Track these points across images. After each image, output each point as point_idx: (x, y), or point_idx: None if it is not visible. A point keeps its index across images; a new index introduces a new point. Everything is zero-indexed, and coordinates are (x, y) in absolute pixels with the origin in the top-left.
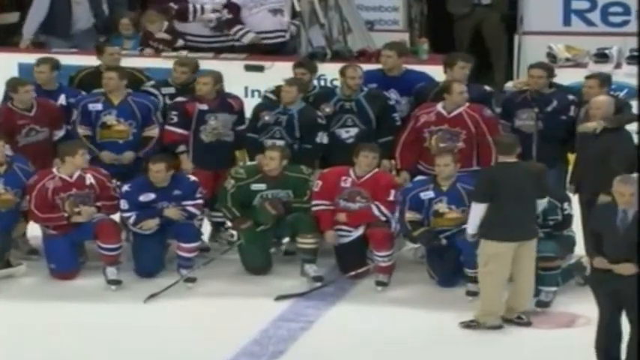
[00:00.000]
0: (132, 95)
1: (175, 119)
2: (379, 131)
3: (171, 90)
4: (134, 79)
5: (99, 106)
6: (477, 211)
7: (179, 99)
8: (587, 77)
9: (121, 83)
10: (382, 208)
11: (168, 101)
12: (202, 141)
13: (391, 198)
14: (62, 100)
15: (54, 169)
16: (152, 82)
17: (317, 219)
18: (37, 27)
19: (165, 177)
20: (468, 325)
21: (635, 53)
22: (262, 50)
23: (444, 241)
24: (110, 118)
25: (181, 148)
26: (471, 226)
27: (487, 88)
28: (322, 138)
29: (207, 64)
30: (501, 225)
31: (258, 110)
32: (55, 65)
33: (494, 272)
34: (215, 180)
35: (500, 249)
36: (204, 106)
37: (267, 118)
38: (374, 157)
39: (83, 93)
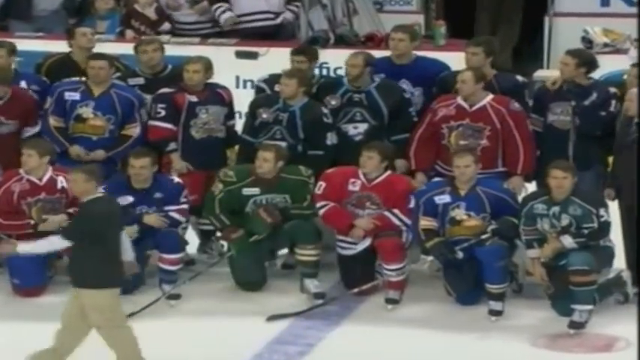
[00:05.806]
0: (115, 87)
1: (163, 113)
2: (392, 128)
3: (140, 81)
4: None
5: (76, 96)
6: None
7: (165, 90)
8: (634, 65)
9: (110, 72)
10: (402, 216)
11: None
12: (193, 137)
13: (411, 205)
14: (23, 87)
15: (21, 171)
16: (117, 74)
17: (330, 219)
18: None
19: (148, 175)
20: None
21: None
22: (250, 34)
23: (460, 255)
24: (86, 111)
25: (172, 145)
26: None
27: (520, 78)
28: (332, 139)
29: (193, 50)
30: None
31: (254, 106)
32: (13, 50)
33: None
34: (207, 183)
35: None
36: (194, 98)
37: (265, 115)
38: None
39: (44, 79)
